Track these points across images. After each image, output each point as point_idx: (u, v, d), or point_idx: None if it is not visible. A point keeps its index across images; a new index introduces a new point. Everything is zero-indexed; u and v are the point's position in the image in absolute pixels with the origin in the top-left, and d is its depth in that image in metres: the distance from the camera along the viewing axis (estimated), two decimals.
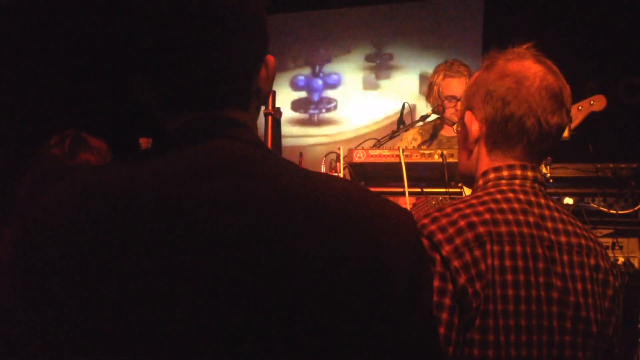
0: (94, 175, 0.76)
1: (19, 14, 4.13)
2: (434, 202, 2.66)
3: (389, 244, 0.72)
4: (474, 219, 1.10)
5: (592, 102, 2.28)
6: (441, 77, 2.99)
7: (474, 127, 1.23)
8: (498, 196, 1.16)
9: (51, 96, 4.29)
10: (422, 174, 2.09)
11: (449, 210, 1.13)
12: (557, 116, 1.19)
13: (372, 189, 2.09)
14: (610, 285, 1.19)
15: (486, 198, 1.16)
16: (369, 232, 0.72)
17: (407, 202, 2.05)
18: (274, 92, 2.07)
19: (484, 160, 1.23)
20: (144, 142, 2.15)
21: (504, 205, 1.14)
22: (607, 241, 2.23)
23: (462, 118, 1.28)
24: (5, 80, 3.97)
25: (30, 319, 0.70)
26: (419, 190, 2.13)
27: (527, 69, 1.19)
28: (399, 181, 2.03)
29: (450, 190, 2.09)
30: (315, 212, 0.71)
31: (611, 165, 2.22)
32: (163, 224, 0.68)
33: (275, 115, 2.07)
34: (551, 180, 2.19)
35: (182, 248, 0.68)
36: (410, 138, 3.07)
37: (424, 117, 2.77)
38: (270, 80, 0.84)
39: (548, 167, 2.15)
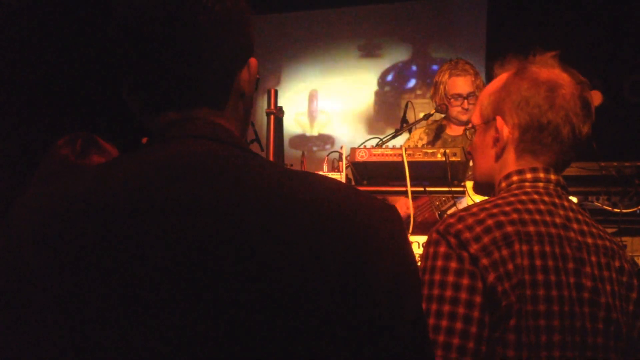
0: (67, 181, 0.75)
1: (22, 14, 4.14)
2: (437, 203, 2.65)
3: (373, 240, 0.71)
4: (502, 218, 1.11)
5: None
6: (447, 75, 2.96)
7: (505, 132, 1.22)
8: (524, 197, 1.16)
9: (53, 97, 4.30)
10: (425, 173, 2.08)
11: (475, 209, 1.13)
12: (587, 126, 1.20)
13: (375, 188, 2.11)
14: (634, 288, 1.18)
15: (512, 199, 1.16)
16: (351, 227, 0.70)
17: (409, 201, 2.04)
18: (276, 91, 2.07)
19: (511, 165, 1.23)
20: None
21: (530, 206, 1.14)
22: None
23: (486, 122, 1.26)
24: (8, 81, 3.97)
25: (9, 326, 0.69)
26: (422, 189, 2.12)
27: (560, 78, 1.20)
28: (401, 180, 2.02)
29: (453, 189, 2.09)
30: (293, 209, 0.69)
31: (615, 163, 2.21)
32: (133, 229, 0.68)
33: (278, 114, 2.07)
34: None
35: (153, 253, 0.67)
36: (417, 138, 3.05)
37: (427, 116, 2.76)
38: (253, 83, 0.84)
39: None
